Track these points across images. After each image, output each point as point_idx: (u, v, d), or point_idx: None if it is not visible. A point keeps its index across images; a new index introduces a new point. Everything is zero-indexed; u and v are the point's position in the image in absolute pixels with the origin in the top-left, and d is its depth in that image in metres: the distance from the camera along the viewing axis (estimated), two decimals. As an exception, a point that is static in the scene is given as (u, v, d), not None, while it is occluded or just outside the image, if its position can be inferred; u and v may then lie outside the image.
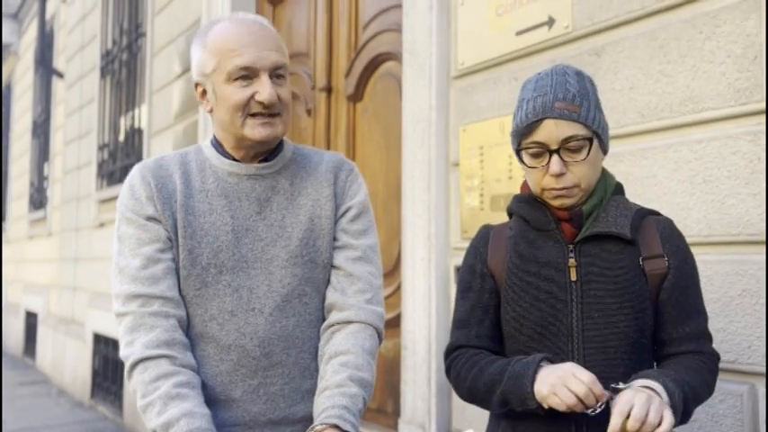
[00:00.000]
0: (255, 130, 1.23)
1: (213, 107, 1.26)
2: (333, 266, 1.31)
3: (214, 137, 1.34)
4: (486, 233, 1.36)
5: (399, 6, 2.78)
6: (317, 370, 1.29)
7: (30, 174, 8.51)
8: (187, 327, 1.24)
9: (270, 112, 1.23)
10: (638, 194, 1.79)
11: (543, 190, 1.24)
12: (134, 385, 1.18)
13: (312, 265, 1.29)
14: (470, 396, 1.28)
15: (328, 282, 1.32)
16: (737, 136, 1.62)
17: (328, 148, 3.40)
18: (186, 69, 4.34)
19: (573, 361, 1.19)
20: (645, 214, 1.28)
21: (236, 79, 1.21)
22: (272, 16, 3.95)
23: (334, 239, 1.32)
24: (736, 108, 1.62)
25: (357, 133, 3.28)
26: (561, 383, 1.08)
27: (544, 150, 1.20)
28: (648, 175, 1.79)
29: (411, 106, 2.59)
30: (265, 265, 1.26)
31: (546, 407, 1.11)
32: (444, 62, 2.47)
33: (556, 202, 1.24)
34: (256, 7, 4.02)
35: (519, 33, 2.18)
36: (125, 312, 1.21)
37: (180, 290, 1.24)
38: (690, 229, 1.67)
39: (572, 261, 1.23)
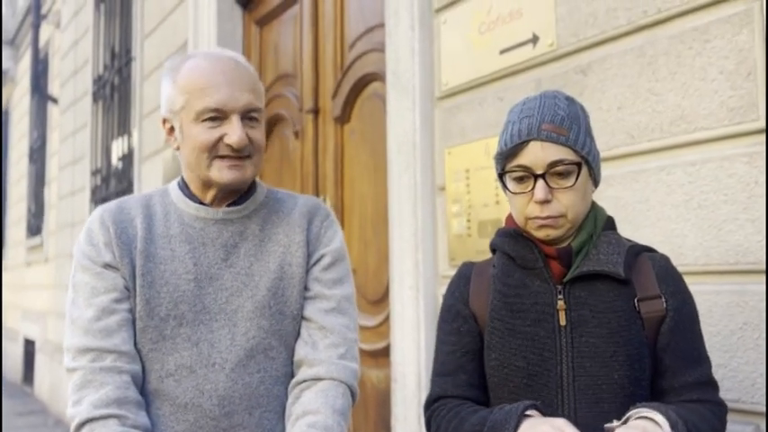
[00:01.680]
0: (222, 173, 1.16)
1: (180, 145, 1.19)
2: (303, 318, 1.22)
3: (182, 177, 1.26)
4: (467, 271, 1.26)
5: (384, 26, 2.71)
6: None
7: (27, 199, 8.47)
8: (142, 383, 1.16)
9: (239, 155, 1.16)
10: (629, 220, 1.69)
11: (527, 219, 1.13)
12: None
13: (280, 317, 1.20)
14: None
15: (298, 335, 1.22)
16: (733, 157, 1.51)
17: (316, 170, 3.31)
18: (175, 93, 4.28)
19: (563, 414, 1.08)
20: (639, 251, 1.18)
21: (205, 120, 1.14)
22: (258, 38, 3.89)
23: (306, 289, 1.23)
24: (730, 128, 1.52)
25: (345, 155, 3.20)
26: None
27: (529, 175, 1.10)
28: (640, 200, 1.69)
29: (395, 128, 2.50)
30: (229, 316, 1.17)
31: None
32: (428, 82, 2.39)
33: (540, 233, 1.13)
34: (243, 29, 3.96)
35: (503, 52, 2.09)
36: (75, 368, 1.13)
37: (135, 343, 1.16)
38: (685, 257, 1.57)
39: (561, 303, 1.12)
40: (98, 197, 5.69)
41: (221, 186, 1.19)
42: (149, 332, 1.15)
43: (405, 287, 2.43)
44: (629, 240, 1.20)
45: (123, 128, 5.31)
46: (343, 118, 3.18)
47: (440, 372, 1.23)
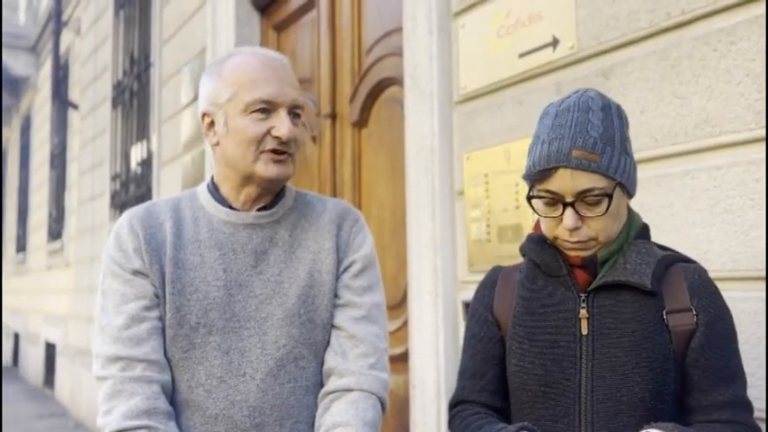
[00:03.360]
0: (268, 167, 1.14)
1: (221, 140, 1.17)
2: (333, 326, 1.20)
3: (212, 180, 1.24)
4: (493, 275, 1.25)
5: (401, 30, 2.70)
6: None
7: (48, 204, 8.57)
8: (172, 392, 1.14)
9: (284, 149, 1.15)
10: (653, 225, 1.64)
11: (556, 239, 1.12)
12: None
13: (310, 326, 1.18)
14: None
15: (327, 344, 1.20)
16: (760, 161, 1.48)
17: (334, 175, 3.31)
18: (194, 98, 4.30)
19: (579, 425, 1.06)
20: (672, 262, 1.13)
21: (254, 111, 1.13)
22: (276, 43, 3.90)
23: (336, 296, 1.21)
24: (756, 131, 1.49)
25: (363, 160, 3.19)
26: None
27: (558, 201, 1.07)
28: (664, 205, 1.66)
29: (413, 133, 2.49)
30: (259, 324, 1.15)
31: None
32: (446, 87, 2.37)
33: (570, 254, 1.12)
34: (260, 34, 3.98)
35: (522, 55, 2.07)
36: (104, 376, 1.11)
37: (165, 352, 1.14)
38: (711, 263, 1.54)
39: (583, 312, 1.09)
40: (117, 202, 5.74)
41: (264, 182, 1.17)
42: (179, 341, 1.14)
43: (423, 292, 2.41)
44: (665, 249, 1.16)
45: (142, 133, 5.35)
46: (360, 123, 3.17)
47: (462, 374, 1.23)
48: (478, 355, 1.20)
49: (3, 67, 9.53)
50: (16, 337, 10.25)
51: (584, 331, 1.09)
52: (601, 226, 1.08)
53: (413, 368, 2.46)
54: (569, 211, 1.06)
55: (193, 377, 1.14)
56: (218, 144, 1.18)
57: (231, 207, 1.20)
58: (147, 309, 1.13)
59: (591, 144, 1.05)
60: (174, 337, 1.13)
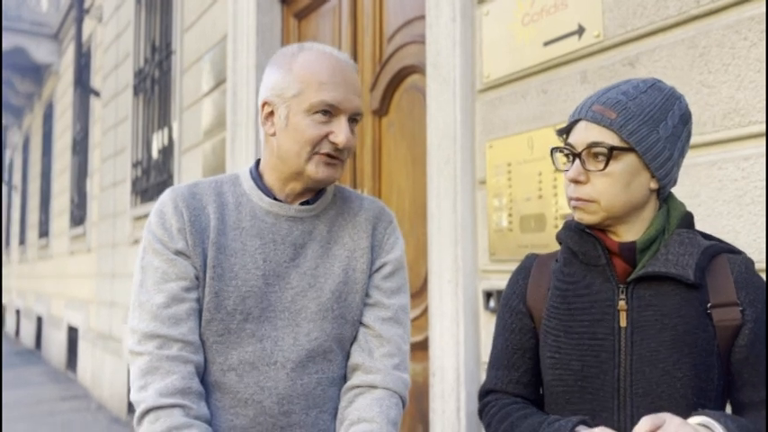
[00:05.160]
0: (320, 169, 1.16)
1: (278, 132, 1.17)
2: (362, 324, 1.23)
3: (255, 166, 1.25)
4: (528, 263, 1.21)
5: (423, 18, 2.69)
6: None
7: (70, 190, 8.68)
8: (203, 374, 1.16)
9: (338, 155, 1.16)
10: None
11: (569, 200, 1.10)
12: None
13: (341, 321, 1.20)
14: None
15: (354, 339, 1.23)
16: (790, 152, 1.46)
17: (354, 163, 3.31)
18: (215, 85, 4.32)
19: (618, 420, 1.03)
20: (716, 252, 1.08)
21: (317, 113, 1.14)
22: (297, 31, 3.90)
23: (366, 295, 1.23)
24: (787, 121, 1.47)
25: (383, 148, 3.19)
26: None
27: (571, 154, 1.07)
28: (690, 195, 1.65)
29: (435, 121, 2.48)
30: (293, 316, 1.17)
31: None
32: (469, 75, 2.36)
33: (576, 215, 1.09)
34: (281, 22, 3.98)
35: (547, 44, 2.05)
36: (141, 352, 1.12)
37: (200, 333, 1.16)
38: (738, 254, 1.52)
39: (622, 303, 1.05)
40: (138, 189, 5.80)
41: (312, 181, 1.18)
42: (215, 325, 1.15)
43: (444, 281, 2.42)
44: (710, 238, 1.11)
45: (163, 120, 5.39)
46: (381, 111, 3.17)
47: (494, 364, 1.21)
48: (511, 347, 1.18)
49: (26, 53, 9.64)
50: (39, 320, 10.43)
51: (623, 324, 1.05)
52: (603, 187, 1.04)
53: (432, 356, 2.47)
54: (576, 162, 1.06)
55: (226, 361, 1.15)
56: (274, 135, 1.19)
57: (274, 197, 1.22)
58: (187, 290, 1.14)
59: (612, 102, 1.05)
60: (210, 321, 1.15)
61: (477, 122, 2.32)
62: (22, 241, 12.48)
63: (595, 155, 1.05)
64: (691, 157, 1.66)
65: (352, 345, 1.22)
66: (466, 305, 2.31)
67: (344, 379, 1.22)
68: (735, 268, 1.06)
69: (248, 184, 1.22)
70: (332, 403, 1.20)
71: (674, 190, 1.68)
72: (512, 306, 1.19)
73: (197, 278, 1.15)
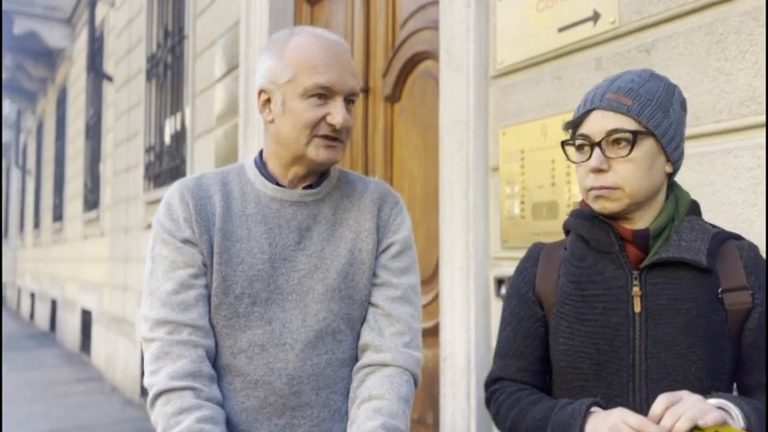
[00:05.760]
0: (320, 152, 1.17)
1: (276, 119, 1.19)
2: (371, 304, 1.24)
3: (259, 155, 1.27)
4: (535, 252, 1.22)
5: (437, 3, 2.67)
6: (347, 413, 1.20)
7: (83, 175, 8.75)
8: (214, 358, 1.19)
9: (337, 135, 1.18)
10: (692, 204, 1.64)
11: (587, 191, 1.10)
12: (156, 417, 1.13)
13: (349, 301, 1.21)
14: None
15: (364, 320, 1.24)
16: (807, 140, 1.45)
17: (366, 149, 3.32)
18: (228, 71, 4.33)
19: (633, 405, 1.04)
20: (725, 238, 1.11)
21: (312, 96, 1.15)
22: (309, 16, 3.89)
23: (374, 276, 1.24)
24: (805, 109, 1.46)
25: (395, 135, 3.19)
26: None
27: (587, 144, 1.08)
28: (705, 183, 1.64)
29: (448, 107, 2.48)
30: (301, 297, 1.19)
31: None
32: (482, 61, 2.35)
33: (597, 205, 1.09)
34: (294, 7, 3.97)
35: (562, 30, 2.04)
36: (152, 338, 1.16)
37: (210, 319, 1.18)
38: (752, 243, 1.51)
39: (636, 289, 1.07)
40: (151, 174, 5.83)
41: (313, 165, 1.19)
42: (224, 309, 1.17)
43: (455, 268, 2.42)
44: (715, 226, 1.13)
45: (176, 106, 5.41)
46: (393, 97, 3.17)
47: (501, 353, 1.21)
48: (519, 335, 1.18)
49: (38, 38, 9.67)
50: (53, 303, 10.56)
51: (637, 309, 1.07)
52: (627, 172, 1.06)
53: (443, 342, 2.49)
54: (596, 151, 1.06)
55: (236, 344, 1.17)
56: (272, 122, 1.20)
57: (278, 184, 1.23)
58: (195, 276, 1.17)
59: (626, 90, 1.06)
60: (218, 305, 1.17)
61: (491, 109, 2.32)
62: (36, 225, 12.60)
63: (616, 141, 1.06)
64: (706, 145, 1.65)
65: (361, 325, 1.23)
66: (477, 292, 2.31)
67: (355, 360, 1.23)
68: (743, 253, 1.09)
69: (252, 173, 1.25)
70: (343, 384, 1.21)
71: (687, 178, 1.68)
72: (521, 294, 1.19)
73: (204, 265, 1.18)
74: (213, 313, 1.18)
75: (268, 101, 1.20)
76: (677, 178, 1.69)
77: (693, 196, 1.64)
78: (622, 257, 1.10)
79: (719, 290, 1.06)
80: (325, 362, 1.19)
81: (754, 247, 1.11)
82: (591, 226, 1.13)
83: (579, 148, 1.10)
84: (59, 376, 7.07)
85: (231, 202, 1.21)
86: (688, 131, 1.69)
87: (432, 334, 2.64)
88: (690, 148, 1.68)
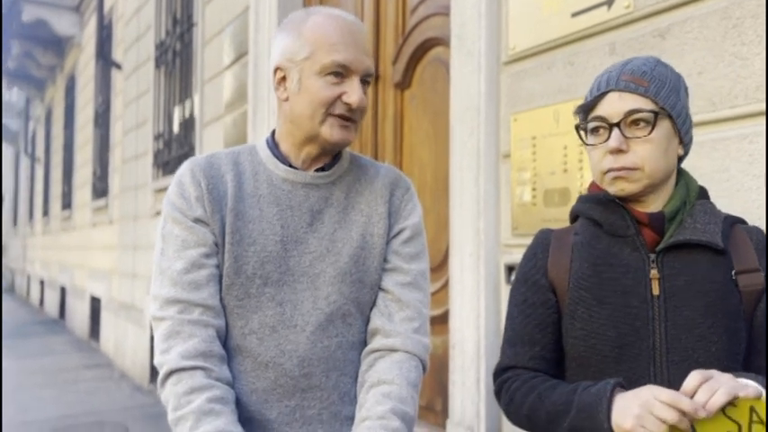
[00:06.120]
0: (334, 131, 1.16)
1: (291, 96, 1.18)
2: (381, 289, 1.23)
3: (272, 136, 1.26)
4: (545, 238, 1.20)
5: (448, -12, 2.65)
6: (356, 396, 1.20)
7: (92, 163, 8.78)
8: (225, 338, 1.18)
9: (351, 116, 1.17)
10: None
11: (603, 174, 1.09)
12: (166, 396, 1.12)
13: (360, 285, 1.21)
14: (529, 425, 1.14)
15: (373, 304, 1.23)
16: (824, 125, 1.43)
17: (376, 137, 3.31)
18: (237, 58, 4.32)
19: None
20: (733, 222, 1.12)
21: (329, 74, 1.14)
22: (318, 4, 3.87)
23: (385, 260, 1.24)
24: (823, 94, 1.44)
25: (405, 122, 3.18)
26: (647, 413, 0.93)
27: (605, 126, 1.07)
28: (719, 170, 1.63)
29: (459, 94, 2.46)
30: (312, 279, 1.19)
31: None
32: (494, 47, 2.33)
33: (614, 187, 1.09)
34: (303, -6, 3.95)
35: (575, 15, 2.02)
36: (163, 317, 1.15)
37: (221, 298, 1.18)
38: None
39: (654, 272, 1.07)
40: (160, 161, 5.84)
41: (327, 144, 1.18)
42: (235, 289, 1.17)
43: (465, 255, 2.42)
44: (722, 211, 1.14)
45: (185, 93, 5.41)
46: (403, 84, 3.15)
47: (511, 341, 1.20)
48: (532, 322, 1.17)
49: (47, 26, 9.68)
50: (63, 291, 10.63)
51: (656, 292, 1.07)
52: (646, 152, 1.06)
53: (453, 329, 2.49)
54: (615, 132, 1.06)
55: (247, 324, 1.17)
56: (287, 100, 1.19)
57: (290, 165, 1.23)
58: (207, 256, 1.16)
59: (640, 72, 1.07)
60: (230, 286, 1.17)
61: (502, 95, 2.30)
62: (45, 213, 12.67)
63: (635, 122, 1.06)
64: (721, 131, 1.63)
65: (371, 310, 1.23)
66: (487, 279, 2.31)
67: (364, 343, 1.23)
68: (753, 236, 1.10)
69: (264, 153, 1.24)
70: (353, 367, 1.21)
71: (702, 165, 1.66)
72: (533, 281, 1.18)
73: (216, 245, 1.17)
74: (224, 293, 1.17)
75: (284, 79, 1.19)
76: (688, 164, 1.68)
77: (708, 183, 1.64)
78: (639, 240, 1.09)
79: (733, 272, 1.07)
80: (336, 344, 1.19)
81: (760, 231, 1.12)
82: (605, 210, 1.12)
83: (594, 131, 1.10)
84: (69, 362, 7.13)
85: (243, 182, 1.21)
86: (703, 117, 1.68)
87: (441, 321, 2.64)
88: (704, 134, 1.67)
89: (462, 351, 2.42)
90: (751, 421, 0.91)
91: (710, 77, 1.66)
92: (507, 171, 2.27)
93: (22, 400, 5.44)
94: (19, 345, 8.20)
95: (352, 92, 1.14)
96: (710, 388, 0.91)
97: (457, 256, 2.46)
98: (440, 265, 2.75)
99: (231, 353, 1.18)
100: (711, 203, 1.13)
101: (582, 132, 1.12)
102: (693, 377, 0.93)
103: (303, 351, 1.17)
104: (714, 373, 0.94)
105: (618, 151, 1.06)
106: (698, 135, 1.68)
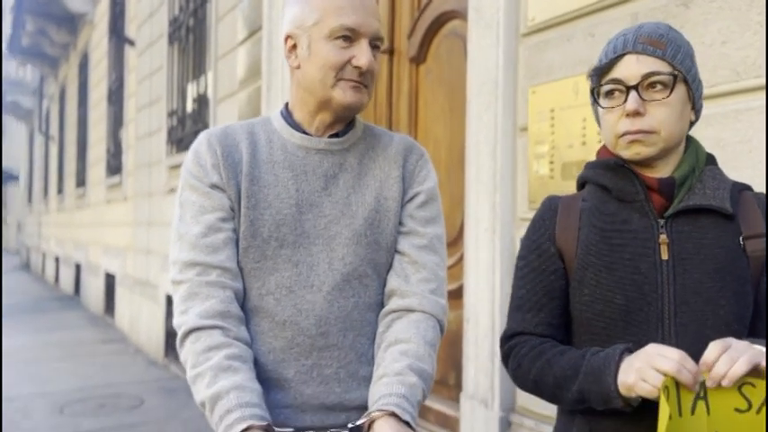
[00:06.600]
0: (346, 94, 1.17)
1: (302, 63, 1.20)
2: (397, 252, 1.25)
3: (285, 106, 1.28)
4: (553, 204, 1.20)
5: (465, -40, 2.62)
6: (374, 357, 1.22)
7: (106, 140, 8.81)
8: (243, 300, 1.20)
9: (362, 80, 1.18)
10: (728, 162, 1.60)
11: (617, 138, 1.09)
12: (185, 355, 1.15)
13: (375, 247, 1.22)
14: (536, 390, 1.15)
15: (390, 267, 1.25)
16: None
17: (390, 112, 3.29)
18: (250, 34, 4.30)
19: None
20: (740, 188, 1.13)
21: (338, 38, 1.16)
22: (333, -24, 3.83)
23: (400, 224, 1.25)
24: None
25: (420, 97, 3.16)
26: (648, 366, 0.95)
27: (621, 88, 1.06)
28: (742, 140, 1.60)
29: (476, 67, 2.44)
30: (327, 242, 1.21)
31: (634, 401, 0.98)
32: (513, 18, 2.30)
33: (630, 151, 1.08)
34: (318, -33, 3.91)
35: (596, -16, 1.98)
36: (181, 280, 1.17)
37: (238, 261, 1.20)
38: (790, 201, 1.49)
39: (663, 237, 1.08)
40: (174, 138, 5.86)
41: (340, 108, 1.19)
42: (252, 252, 1.19)
43: (480, 229, 2.42)
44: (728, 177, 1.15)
45: (199, 69, 5.40)
46: (418, 58, 3.13)
47: (519, 308, 1.20)
48: (539, 289, 1.17)
49: (60, 3, 9.68)
50: (77, 267, 10.76)
51: (665, 257, 1.07)
52: (664, 115, 1.05)
53: (467, 303, 2.49)
54: (633, 94, 1.05)
55: (264, 286, 1.19)
56: (298, 67, 1.21)
57: (304, 132, 1.24)
58: (223, 220, 1.19)
59: (657, 36, 1.06)
60: (246, 248, 1.19)
61: (520, 67, 2.28)
62: (60, 190, 12.78)
63: (652, 85, 1.05)
64: (745, 101, 1.61)
65: (388, 272, 1.25)
66: (503, 252, 2.31)
67: (381, 305, 1.24)
68: (760, 203, 1.10)
69: (279, 123, 1.26)
70: (370, 328, 1.23)
71: (724, 135, 1.64)
72: (541, 248, 1.18)
73: (232, 209, 1.19)
74: (241, 256, 1.19)
75: (294, 47, 1.21)
76: (711, 135, 1.66)
77: (730, 154, 1.62)
78: (647, 206, 1.10)
79: (741, 237, 1.07)
80: (352, 305, 1.20)
81: (765, 197, 1.13)
82: (614, 175, 1.12)
83: (609, 94, 1.09)
84: (85, 337, 7.23)
85: (258, 150, 1.23)
86: (727, 87, 1.66)
87: (455, 296, 2.65)
88: (727, 104, 1.65)
89: (477, 324, 2.43)
90: (765, 403, 0.91)
91: (735, 47, 1.63)
92: (524, 144, 2.26)
93: (41, 372, 5.53)
94: (36, 319, 8.32)
95: (362, 55, 1.15)
96: (731, 358, 0.91)
97: (472, 231, 2.46)
98: (454, 241, 2.75)
99: (249, 314, 1.20)
100: (719, 169, 1.13)
101: (595, 96, 1.11)
102: (714, 348, 0.93)
103: (320, 311, 1.18)
104: (732, 341, 0.94)
105: (636, 114, 1.05)
106: (721, 105, 1.66)
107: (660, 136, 1.06)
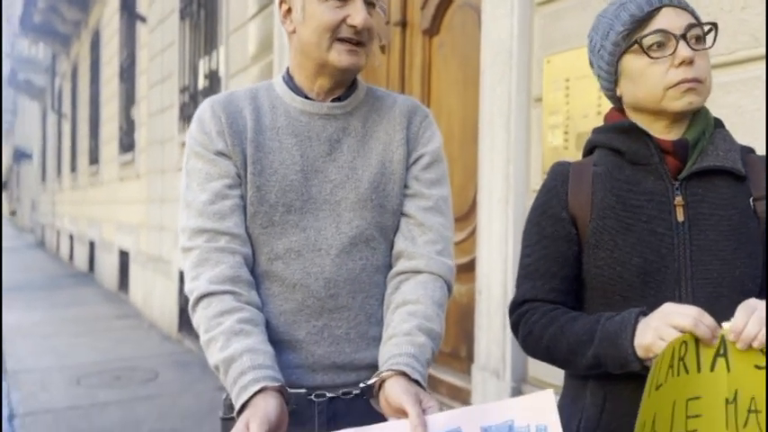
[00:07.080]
0: (342, 56, 1.16)
1: (297, 27, 1.19)
2: (403, 214, 1.25)
3: (287, 71, 1.28)
4: (563, 170, 1.18)
5: (480, -71, 2.58)
6: (383, 319, 1.23)
7: (118, 117, 8.84)
8: (252, 265, 1.22)
9: (358, 39, 1.16)
10: (748, 129, 1.59)
11: (666, 90, 1.06)
12: (197, 320, 1.17)
13: (381, 210, 1.23)
14: (548, 356, 1.14)
15: (396, 229, 1.25)
16: None
17: (402, 85, 3.28)
18: (261, 8, 4.28)
19: None
20: (747, 151, 1.14)
21: None
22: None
23: (406, 187, 1.25)
24: None
25: (433, 69, 3.14)
26: (665, 324, 0.95)
27: (667, 39, 1.06)
28: (761, 107, 1.58)
29: (490, 36, 2.42)
30: (333, 207, 1.22)
31: (651, 363, 0.97)
32: (528, -13, 2.28)
33: (683, 101, 1.06)
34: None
35: (613, -50, 1.95)
36: (191, 247, 1.19)
37: (246, 227, 1.21)
38: (809, 167, 1.47)
39: (679, 199, 1.08)
40: (186, 114, 5.86)
41: (337, 71, 1.19)
42: (259, 217, 1.20)
43: (493, 201, 2.41)
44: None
45: (210, 45, 5.39)
46: (431, 30, 3.10)
47: (529, 275, 1.18)
48: (551, 255, 1.15)
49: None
50: (92, 245, 10.86)
51: (680, 218, 1.08)
52: (707, 66, 1.07)
53: (479, 274, 2.50)
54: (683, 43, 1.05)
55: (272, 250, 1.20)
56: (294, 32, 1.21)
57: (306, 97, 1.24)
58: (230, 187, 1.20)
59: None
60: (254, 214, 1.20)
61: (535, 37, 2.26)
62: (73, 168, 12.86)
63: (696, 36, 1.06)
64: (763, 69, 1.58)
65: (395, 235, 1.25)
66: (516, 224, 2.30)
67: (389, 267, 1.25)
68: (766, 165, 1.11)
69: (281, 88, 1.26)
70: (378, 289, 1.24)
71: (743, 103, 1.62)
72: (553, 214, 1.16)
73: (238, 176, 1.20)
74: (249, 222, 1.21)
75: (289, 11, 1.20)
76: (730, 102, 1.64)
77: (749, 121, 1.60)
78: (662, 168, 1.10)
79: (751, 198, 1.08)
80: (360, 267, 1.22)
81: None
82: (627, 138, 1.11)
83: (653, 46, 1.07)
84: (100, 313, 7.33)
85: (261, 116, 1.23)
86: (746, 54, 1.63)
87: (467, 269, 2.65)
88: (747, 71, 1.62)
89: (489, 296, 2.43)
90: None
91: (755, 12, 1.60)
92: (539, 115, 2.24)
93: (58, 346, 5.62)
94: (52, 296, 8.44)
95: (356, 13, 1.14)
96: (760, 319, 0.92)
97: (485, 203, 2.46)
98: (467, 214, 2.75)
99: (259, 279, 1.21)
100: (728, 132, 1.13)
101: (635, 47, 1.08)
102: (741, 313, 0.94)
103: (329, 273, 1.20)
104: (756, 303, 0.95)
105: (691, 62, 1.05)
106: (740, 72, 1.64)
107: (705, 86, 1.07)
